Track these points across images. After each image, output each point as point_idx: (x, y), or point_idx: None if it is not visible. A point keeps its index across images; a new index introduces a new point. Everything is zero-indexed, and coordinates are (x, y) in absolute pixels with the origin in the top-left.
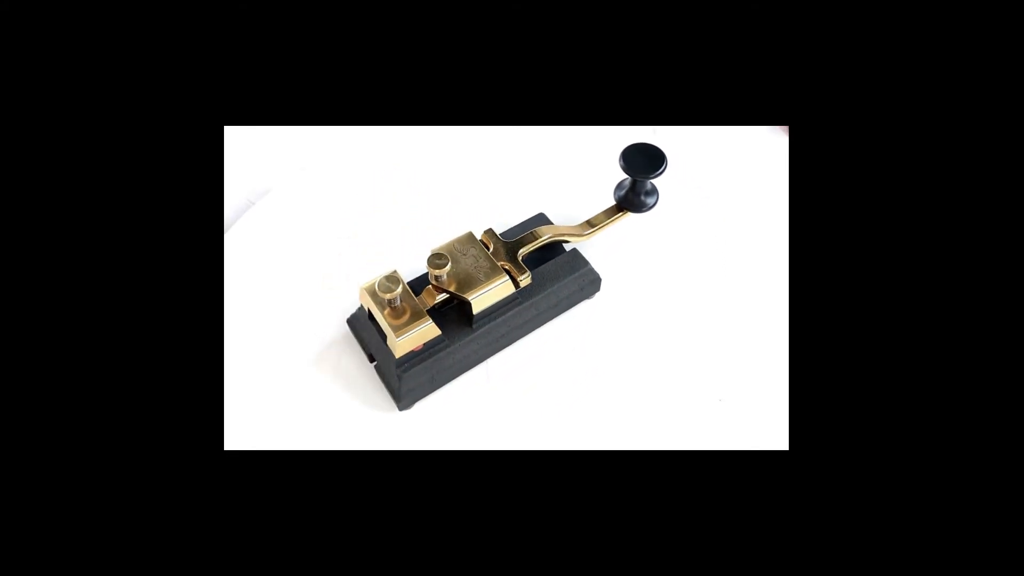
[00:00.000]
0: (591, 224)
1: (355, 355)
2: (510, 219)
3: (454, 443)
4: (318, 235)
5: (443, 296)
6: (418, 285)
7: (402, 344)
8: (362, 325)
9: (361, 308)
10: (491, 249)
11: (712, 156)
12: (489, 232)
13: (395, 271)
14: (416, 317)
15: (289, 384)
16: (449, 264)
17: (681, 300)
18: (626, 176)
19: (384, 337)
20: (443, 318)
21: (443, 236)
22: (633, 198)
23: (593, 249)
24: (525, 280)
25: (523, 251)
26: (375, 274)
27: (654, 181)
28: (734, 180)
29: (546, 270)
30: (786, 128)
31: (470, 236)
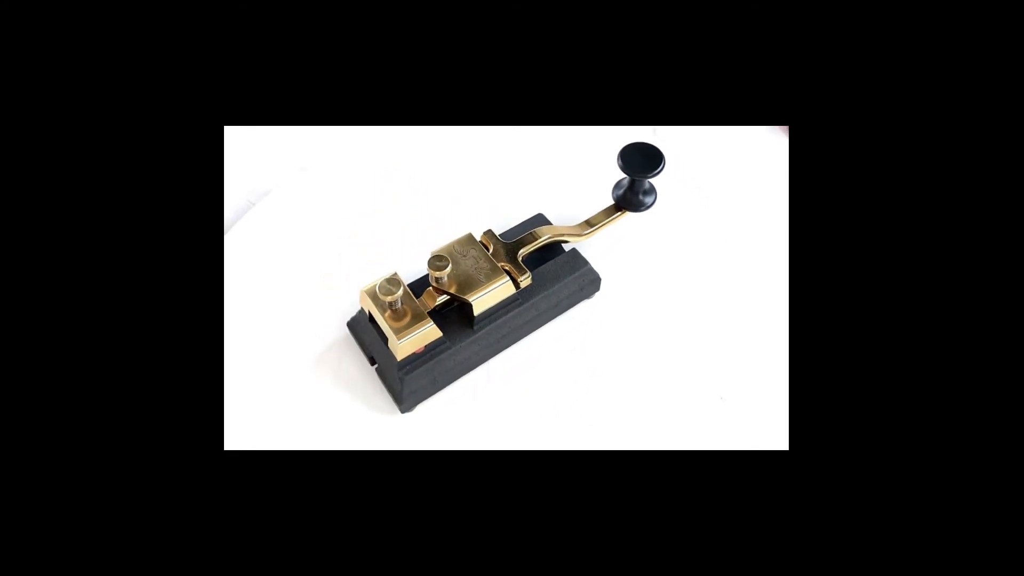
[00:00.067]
0: (590, 224)
1: (356, 357)
2: (509, 219)
3: (456, 444)
4: (318, 235)
5: (444, 298)
6: (418, 287)
7: (404, 346)
8: (362, 328)
9: (361, 311)
10: (491, 250)
11: (712, 156)
12: (488, 233)
13: (395, 273)
14: (417, 319)
15: (290, 386)
16: (449, 266)
17: (681, 301)
18: (624, 176)
19: (385, 340)
20: (444, 320)
21: (443, 236)
22: (631, 197)
23: (592, 249)
24: (525, 281)
25: (523, 251)
26: (375, 274)
27: (652, 180)
28: (734, 180)
29: (546, 270)
30: (786, 128)
31: (470, 237)
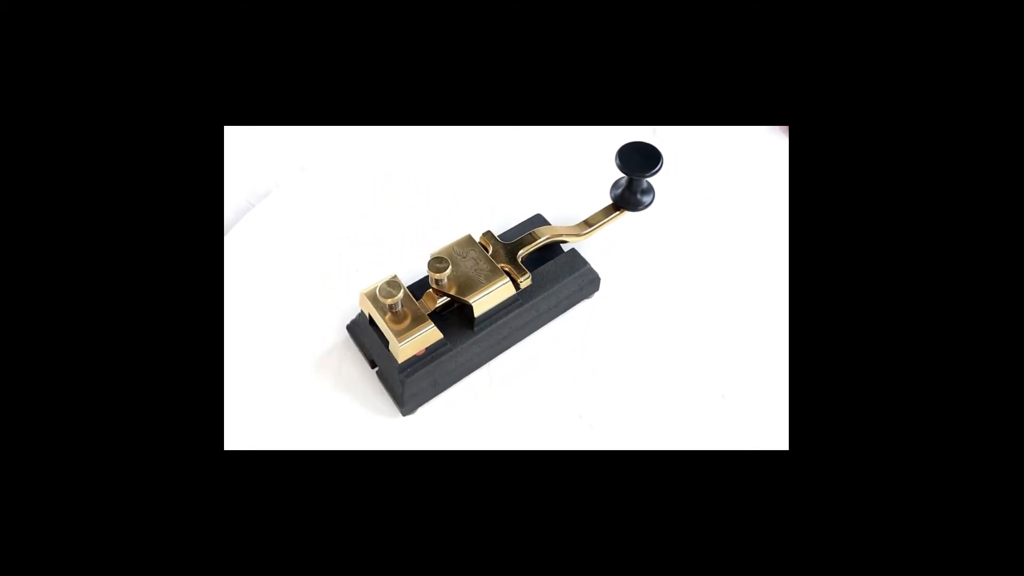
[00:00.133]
0: (588, 224)
1: (356, 359)
2: (507, 219)
3: (457, 444)
4: (318, 236)
5: (444, 300)
6: (418, 289)
7: (405, 349)
8: (362, 331)
9: (361, 314)
10: (490, 251)
11: (712, 156)
12: (488, 234)
13: (395, 276)
14: (418, 321)
15: (290, 387)
16: (449, 268)
17: (681, 301)
18: (622, 175)
19: (386, 342)
20: (444, 322)
21: (442, 236)
22: (629, 196)
23: (591, 249)
24: (525, 281)
25: (522, 252)
26: (375, 274)
27: (650, 179)
28: (734, 180)
29: (546, 271)
30: (786, 128)
31: (469, 239)
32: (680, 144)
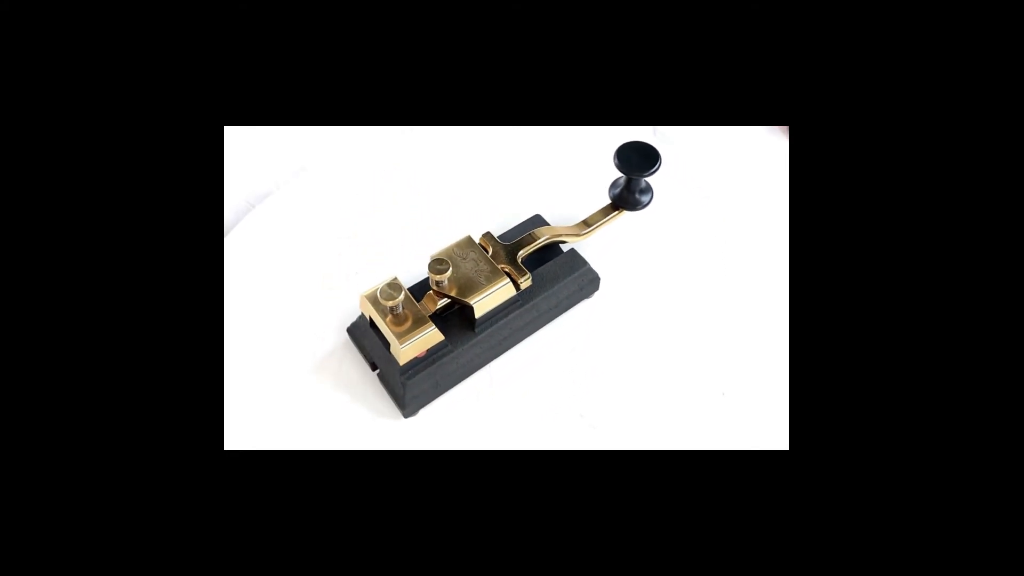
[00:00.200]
0: (587, 224)
1: (356, 361)
2: (506, 219)
3: (459, 445)
4: (318, 236)
5: (444, 301)
6: (418, 291)
7: (406, 351)
8: (363, 333)
9: (361, 316)
10: (490, 252)
11: (712, 156)
12: (487, 235)
13: (396, 278)
14: (419, 323)
15: (291, 389)
16: (450, 269)
17: (680, 301)
18: (621, 175)
19: (387, 345)
20: (445, 323)
21: (442, 236)
22: (628, 196)
23: (591, 249)
24: (526, 282)
25: (522, 253)
26: (375, 275)
27: (649, 179)
28: (734, 180)
29: (546, 271)
30: (786, 128)
31: (469, 240)
32: (680, 144)
